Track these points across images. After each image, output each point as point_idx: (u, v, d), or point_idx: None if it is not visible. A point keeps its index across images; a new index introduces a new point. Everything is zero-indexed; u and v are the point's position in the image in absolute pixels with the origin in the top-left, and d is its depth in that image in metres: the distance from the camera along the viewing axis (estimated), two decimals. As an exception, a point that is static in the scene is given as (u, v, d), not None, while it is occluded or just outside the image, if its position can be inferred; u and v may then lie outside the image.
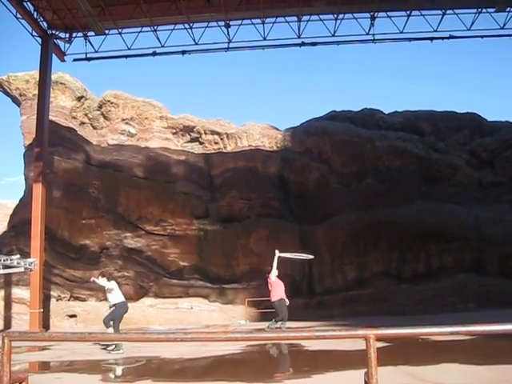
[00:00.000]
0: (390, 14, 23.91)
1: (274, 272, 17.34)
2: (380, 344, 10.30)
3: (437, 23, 23.83)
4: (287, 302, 17.00)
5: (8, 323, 21.91)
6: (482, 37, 24.50)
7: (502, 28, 24.02)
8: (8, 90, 28.84)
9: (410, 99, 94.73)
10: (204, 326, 22.25)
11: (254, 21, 24.18)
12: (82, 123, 29.95)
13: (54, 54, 24.38)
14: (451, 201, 27.29)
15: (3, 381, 4.02)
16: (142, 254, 26.51)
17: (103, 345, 13.64)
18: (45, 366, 11.39)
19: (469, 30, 23.96)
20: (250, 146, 30.39)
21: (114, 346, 12.95)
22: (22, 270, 20.64)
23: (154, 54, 25.05)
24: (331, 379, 8.00)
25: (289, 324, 17.37)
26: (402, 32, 24.05)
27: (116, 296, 14.07)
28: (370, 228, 25.97)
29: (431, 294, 24.18)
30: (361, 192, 27.98)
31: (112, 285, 14.15)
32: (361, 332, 3.87)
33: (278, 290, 16.99)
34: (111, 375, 9.76)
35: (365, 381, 3.98)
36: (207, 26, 24.29)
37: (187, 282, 25.99)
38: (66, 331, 18.70)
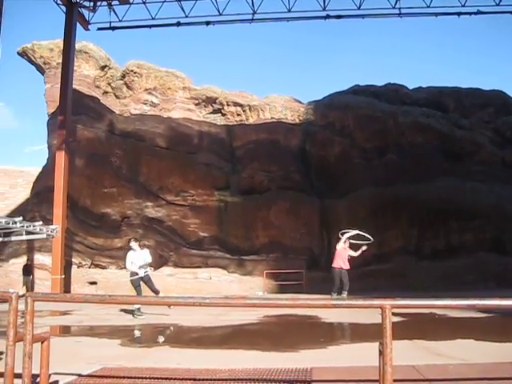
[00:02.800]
0: (417, -13, 23.53)
1: (341, 243, 17.53)
2: (396, 319, 10.36)
3: (465, -2, 23.42)
4: (343, 271, 17.14)
5: (30, 288, 22.29)
6: (511, 12, 24.03)
7: (533, 4, 23.54)
8: (32, 59, 28.98)
9: (435, 79, 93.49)
10: (222, 296, 22.45)
11: (279, -8, 23.93)
12: (105, 92, 30.05)
13: (78, 23, 24.39)
14: (473, 179, 27.03)
15: (26, 339, 4.13)
16: (162, 224, 26.74)
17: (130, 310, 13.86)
18: (65, 330, 11.62)
19: (497, 5, 23.47)
20: (272, 118, 30.31)
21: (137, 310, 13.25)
22: (45, 236, 20.91)
23: (178, 24, 24.93)
24: (346, 350, 8.08)
25: (307, 296, 17.48)
26: (428, 6, 23.66)
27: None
28: (390, 204, 25.88)
29: (450, 272, 24.10)
30: (382, 167, 27.83)
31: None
32: (377, 302, 3.91)
33: (336, 260, 17.27)
34: (130, 341, 9.93)
35: (379, 351, 4.03)
36: (232, -3, 24.07)
37: (206, 253, 26.20)
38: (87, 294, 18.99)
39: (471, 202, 25.78)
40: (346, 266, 17.22)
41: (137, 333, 11.17)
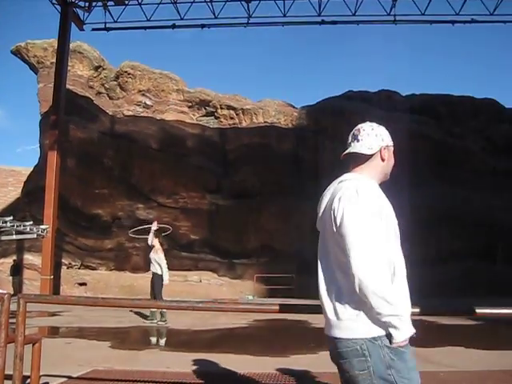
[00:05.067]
0: (412, -6, 23.60)
1: None
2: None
3: (459, 6, 23.50)
4: None
5: (19, 288, 22.19)
6: (505, 22, 24.15)
7: (526, 14, 23.65)
8: (26, 57, 28.89)
9: (427, 86, 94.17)
10: (212, 299, 22.42)
11: (275, -4, 23.94)
12: (99, 93, 29.99)
13: (72, 23, 24.33)
14: (464, 186, 27.13)
15: (18, 341, 4.11)
16: (153, 226, 26.64)
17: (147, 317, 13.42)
18: (55, 331, 11.57)
19: (491, 14, 23.57)
20: (265, 122, 30.29)
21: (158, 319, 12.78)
22: (35, 236, 20.83)
23: (174, 26, 24.90)
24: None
25: (297, 301, 17.46)
26: (423, 14, 23.72)
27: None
28: (381, 210, 25.89)
29: (440, 279, 24.16)
30: (374, 173, 27.82)
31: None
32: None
33: None
34: (120, 343, 9.90)
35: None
36: (227, 0, 24.05)
37: (197, 256, 26.17)
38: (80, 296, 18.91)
39: (462, 209, 25.90)
40: None
41: (127, 335, 11.14)
